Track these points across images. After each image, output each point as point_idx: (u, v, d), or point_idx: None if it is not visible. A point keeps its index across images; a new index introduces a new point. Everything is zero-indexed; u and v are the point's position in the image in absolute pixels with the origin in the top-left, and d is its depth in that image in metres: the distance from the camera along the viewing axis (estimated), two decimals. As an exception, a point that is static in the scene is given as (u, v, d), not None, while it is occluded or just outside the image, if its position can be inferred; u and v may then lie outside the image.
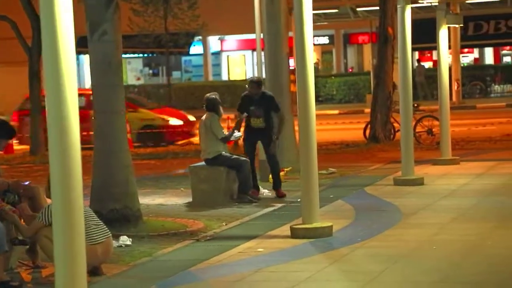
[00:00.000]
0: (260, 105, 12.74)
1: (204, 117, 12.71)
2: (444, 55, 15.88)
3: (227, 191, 12.51)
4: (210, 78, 47.74)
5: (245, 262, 8.40)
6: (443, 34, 15.92)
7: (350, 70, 48.12)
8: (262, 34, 15.16)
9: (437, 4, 14.91)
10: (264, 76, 15.35)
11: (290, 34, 12.05)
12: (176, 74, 48.83)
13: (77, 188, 5.65)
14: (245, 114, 12.74)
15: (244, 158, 12.53)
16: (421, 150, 18.97)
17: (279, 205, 12.11)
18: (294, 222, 10.29)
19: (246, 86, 13.02)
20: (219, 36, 48.31)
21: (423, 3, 14.56)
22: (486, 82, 41.11)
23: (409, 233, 9.55)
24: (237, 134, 12.82)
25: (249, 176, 12.50)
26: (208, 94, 12.78)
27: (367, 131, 20.72)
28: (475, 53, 47.81)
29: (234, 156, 12.52)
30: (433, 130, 19.82)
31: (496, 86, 41.29)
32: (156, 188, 14.14)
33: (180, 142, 23.46)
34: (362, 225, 10.13)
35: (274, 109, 12.92)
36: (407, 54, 13.63)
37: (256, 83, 13.00)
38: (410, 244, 8.96)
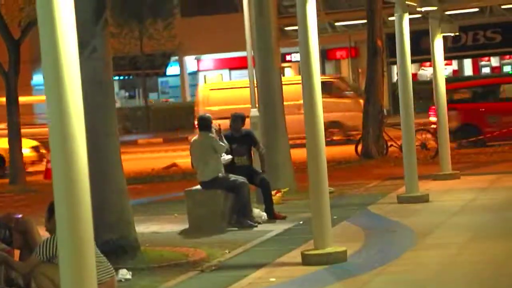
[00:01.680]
0: (242, 143, 12.37)
1: (196, 137, 12.04)
2: (440, 65, 15.35)
3: (225, 215, 11.84)
4: (188, 98, 47.07)
5: (259, 295, 7.74)
6: (438, 44, 15.40)
7: (329, 86, 47.62)
8: (251, 51, 14.48)
9: (435, 9, 14.32)
10: (251, 92, 14.68)
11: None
12: (153, 96, 48.12)
13: (86, 217, 4.98)
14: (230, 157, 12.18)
15: (242, 180, 11.87)
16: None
17: (282, 228, 11.45)
18: (303, 247, 9.64)
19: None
20: (195, 56, 47.70)
21: (421, 10, 13.98)
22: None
23: (428, 255, 8.92)
24: (227, 157, 12.16)
25: (248, 199, 11.84)
26: (201, 113, 12.15)
27: (359, 147, 20.13)
28: (454, 64, 47.49)
29: (232, 178, 11.86)
30: (427, 144, 19.28)
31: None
32: (148, 215, 13.43)
33: (164, 166, 22.72)
34: (376, 248, 9.49)
35: (256, 144, 12.59)
36: (407, 64, 13.05)
37: (241, 118, 12.50)
38: (432, 267, 8.34)
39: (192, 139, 12.13)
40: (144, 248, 10.07)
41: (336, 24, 39.07)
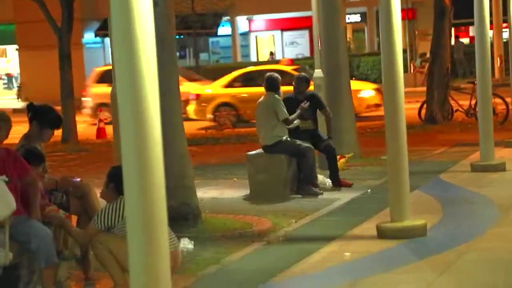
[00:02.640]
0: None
1: (262, 98, 11.37)
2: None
3: (288, 182, 11.18)
4: (239, 59, 46.34)
5: (334, 272, 7.08)
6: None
7: (383, 48, 46.48)
8: (316, 9, 13.70)
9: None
10: (318, 55, 13.92)
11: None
12: (203, 56, 47.47)
13: (159, 183, 4.34)
14: (308, 103, 11.38)
15: (307, 145, 11.18)
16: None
17: (349, 197, 10.75)
18: (375, 218, 8.97)
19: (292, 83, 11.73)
20: (247, 16, 46.88)
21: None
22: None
23: (516, 231, 8.20)
24: (298, 121, 11.43)
25: (313, 165, 11.16)
26: (269, 73, 11.45)
27: (422, 112, 19.27)
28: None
29: (297, 142, 11.17)
30: (495, 108, 18.38)
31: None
32: (206, 179, 12.80)
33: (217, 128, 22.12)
34: (456, 221, 8.77)
35: (322, 108, 11.78)
36: (485, 24, 12.19)
37: (304, 80, 11.73)
38: (525, 245, 7.62)
39: (258, 101, 11.45)
40: (205, 215, 9.48)
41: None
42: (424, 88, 35.30)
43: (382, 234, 8.16)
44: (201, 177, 12.91)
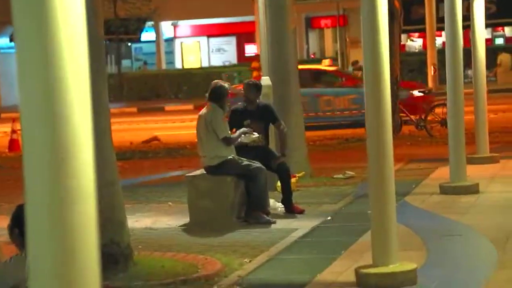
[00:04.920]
0: (258, 118, 9.84)
1: (204, 110, 9.67)
2: (481, 31, 13.10)
3: (235, 208, 9.51)
4: (164, 66, 44.52)
5: None
6: (478, 6, 13.12)
7: (312, 56, 45.25)
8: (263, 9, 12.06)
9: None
10: (263, 56, 12.27)
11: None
12: (126, 63, 45.48)
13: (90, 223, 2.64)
14: (248, 121, 9.75)
15: (258, 164, 9.51)
16: (435, 144, 16.19)
17: (308, 226, 9.11)
18: (346, 256, 7.38)
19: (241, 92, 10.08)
20: (172, 22, 45.10)
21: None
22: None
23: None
24: (253, 135, 9.72)
25: (265, 188, 9.50)
26: (215, 81, 9.73)
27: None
28: (443, 36, 45.31)
29: (245, 162, 9.49)
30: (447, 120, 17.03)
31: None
32: (136, 202, 11.03)
33: (144, 139, 20.26)
34: (447, 263, 7.21)
35: (275, 121, 10.06)
36: (457, 27, 10.76)
37: (255, 87, 10.05)
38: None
39: (199, 113, 9.73)
40: (138, 253, 7.73)
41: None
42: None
43: (364, 282, 6.53)
44: (131, 200, 11.12)
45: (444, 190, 10.63)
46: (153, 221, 9.77)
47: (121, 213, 7.35)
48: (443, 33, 42.48)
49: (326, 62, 24.52)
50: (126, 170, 15.04)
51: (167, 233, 9.08)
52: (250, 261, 7.64)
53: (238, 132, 9.58)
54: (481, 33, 13.30)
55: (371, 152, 6.79)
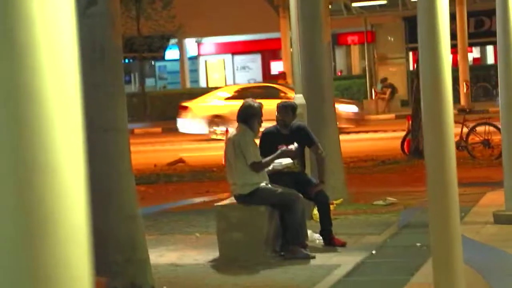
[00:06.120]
0: (291, 141, 8.85)
1: (233, 132, 8.76)
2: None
3: (270, 241, 8.57)
4: (188, 85, 43.75)
5: None
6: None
7: (339, 73, 44.33)
8: (296, 19, 11.15)
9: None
10: (296, 72, 11.35)
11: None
12: (149, 82, 44.79)
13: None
14: (296, 145, 8.76)
15: (295, 192, 8.57)
16: (478, 166, 15.20)
17: (351, 261, 8.15)
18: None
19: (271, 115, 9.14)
20: (196, 39, 44.38)
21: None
22: (492, 83, 37.61)
23: None
24: (285, 161, 8.75)
25: (303, 219, 8.55)
26: (245, 100, 8.81)
27: (406, 144, 16.82)
28: (474, 52, 44.21)
29: (280, 190, 8.56)
30: (490, 140, 16.05)
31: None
32: (160, 233, 10.12)
33: (169, 161, 19.38)
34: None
35: (312, 144, 9.08)
36: (510, 42, 9.79)
37: (290, 108, 9.09)
38: None
39: (229, 134, 8.81)
40: (163, 296, 6.82)
41: (353, 4, 35.74)
42: (389, 116, 33.30)
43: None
44: (154, 231, 10.23)
45: (499, 219, 9.65)
46: (179, 256, 8.83)
47: (143, 251, 6.44)
48: (474, 48, 41.59)
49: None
50: (149, 195, 14.21)
51: (195, 270, 8.14)
52: (290, 305, 6.70)
53: (271, 156, 8.63)
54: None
55: (431, 179, 5.81)
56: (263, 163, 8.57)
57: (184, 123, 26.01)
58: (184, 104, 26.68)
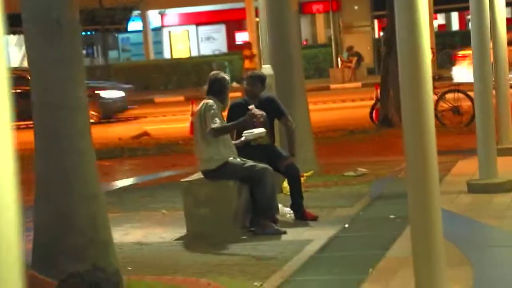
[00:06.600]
0: None
1: (200, 104, 8.42)
2: (502, 13, 11.87)
3: (239, 216, 8.28)
4: (152, 56, 43.21)
5: None
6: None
7: (305, 42, 43.97)
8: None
9: None
10: (263, 44, 11.01)
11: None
12: (113, 54, 44.16)
13: None
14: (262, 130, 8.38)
15: (264, 165, 8.27)
16: (448, 134, 14.98)
17: (324, 236, 7.88)
18: (378, 276, 6.16)
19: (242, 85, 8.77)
20: (159, 10, 43.78)
21: None
22: (456, 49, 37.50)
23: None
24: (257, 130, 8.38)
25: (273, 193, 8.25)
26: (214, 72, 8.44)
27: (375, 113, 16.56)
28: (439, 19, 44.05)
29: (250, 163, 8.25)
30: (460, 107, 15.84)
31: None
32: (124, 210, 9.79)
33: (133, 134, 18.99)
34: (497, 280, 6.00)
35: (282, 115, 8.75)
36: (484, 15, 9.51)
37: (260, 79, 8.75)
38: None
39: (197, 107, 8.44)
40: (128, 278, 6.48)
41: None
42: (355, 84, 33.07)
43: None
44: (118, 208, 9.91)
45: (473, 188, 9.42)
46: (144, 233, 8.51)
47: (106, 231, 6.10)
48: (439, 15, 41.51)
49: None
50: (114, 170, 13.85)
51: (161, 248, 7.83)
52: (261, 285, 6.41)
53: (234, 122, 8.23)
54: (502, 12, 12.05)
55: (409, 148, 5.53)
56: (222, 127, 8.13)
57: (462, 72, 24.96)
58: (462, 52, 25.92)
